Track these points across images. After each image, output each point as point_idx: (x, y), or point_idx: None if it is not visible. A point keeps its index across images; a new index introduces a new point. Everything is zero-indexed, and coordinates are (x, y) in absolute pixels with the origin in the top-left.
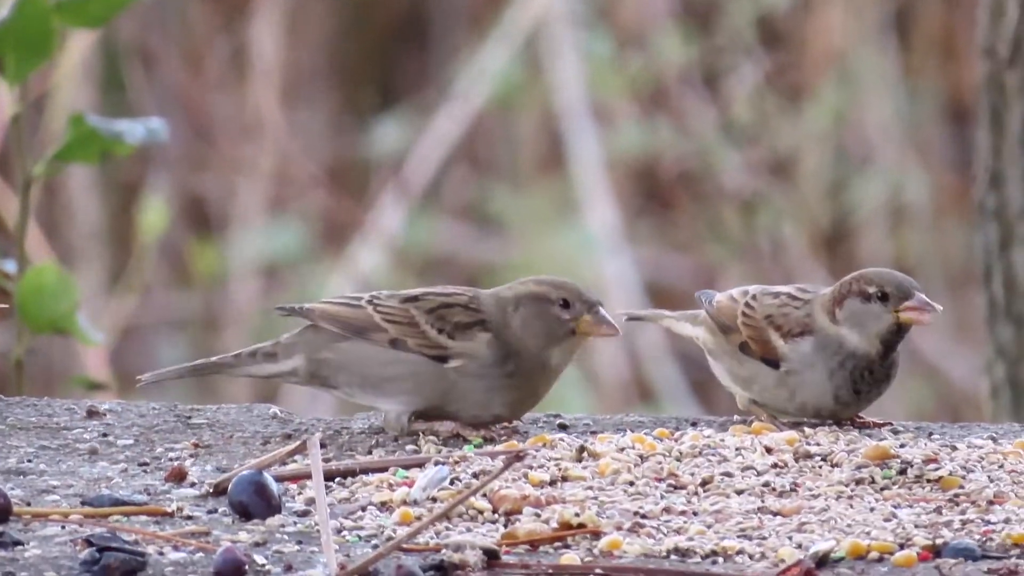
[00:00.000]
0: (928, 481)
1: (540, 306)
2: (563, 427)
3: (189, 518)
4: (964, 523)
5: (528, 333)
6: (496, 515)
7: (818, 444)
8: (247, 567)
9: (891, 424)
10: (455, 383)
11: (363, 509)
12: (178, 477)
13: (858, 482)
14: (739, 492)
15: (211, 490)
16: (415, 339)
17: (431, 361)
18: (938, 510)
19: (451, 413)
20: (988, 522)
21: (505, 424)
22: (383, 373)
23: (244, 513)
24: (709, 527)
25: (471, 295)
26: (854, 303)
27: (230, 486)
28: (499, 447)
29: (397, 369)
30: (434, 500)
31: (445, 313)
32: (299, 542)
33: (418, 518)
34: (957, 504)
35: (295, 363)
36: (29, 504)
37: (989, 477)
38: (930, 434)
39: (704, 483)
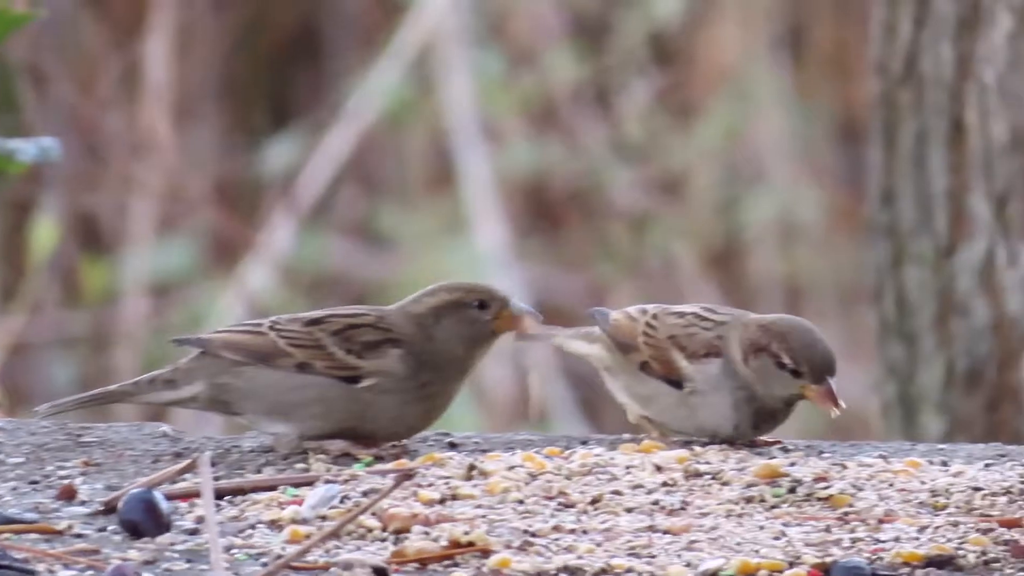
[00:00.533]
0: (818, 499)
1: (460, 312)
2: (453, 445)
3: (79, 536)
4: (854, 541)
5: (453, 342)
6: (386, 533)
7: (708, 463)
8: None
9: (781, 442)
10: (369, 403)
11: (253, 527)
12: (68, 495)
13: (748, 500)
14: (629, 510)
15: (101, 508)
16: (323, 362)
17: (341, 383)
18: (828, 528)
19: (366, 433)
20: (878, 540)
21: (394, 443)
22: (290, 399)
23: (134, 531)
24: (599, 545)
25: (377, 314)
26: (767, 362)
27: (120, 504)
28: (389, 466)
29: (305, 394)
30: (324, 518)
31: (352, 334)
32: (189, 560)
33: (308, 536)
34: (847, 522)
35: (195, 389)
36: None
37: (879, 495)
38: (820, 452)
39: (594, 501)
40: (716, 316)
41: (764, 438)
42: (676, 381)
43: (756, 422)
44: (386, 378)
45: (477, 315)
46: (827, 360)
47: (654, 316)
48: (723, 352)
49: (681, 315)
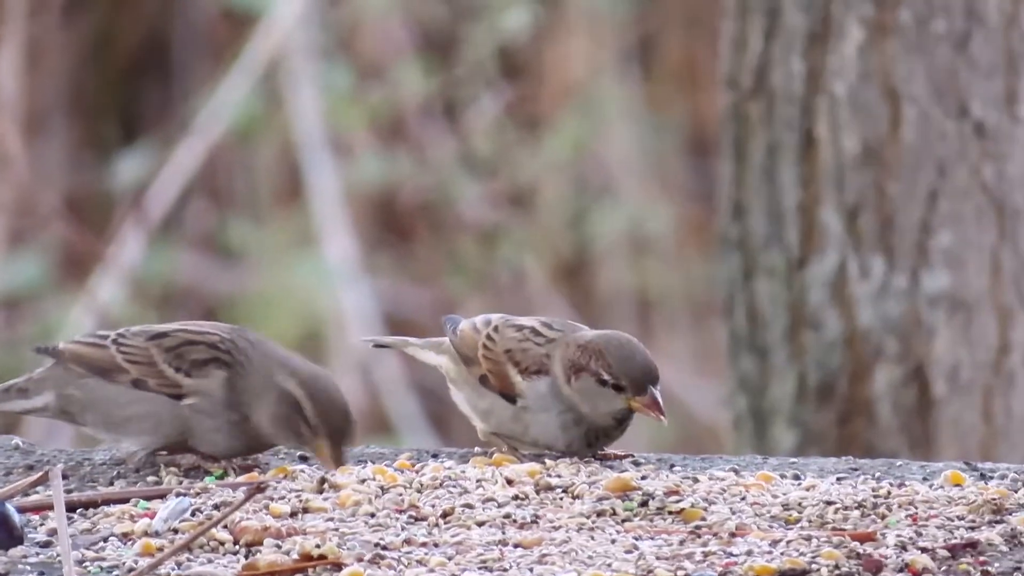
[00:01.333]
0: (670, 513)
1: (287, 411)
2: (304, 459)
3: None
4: (706, 555)
5: (267, 423)
6: (237, 546)
7: (559, 476)
8: None
9: (632, 456)
10: (189, 419)
11: (105, 540)
12: None
13: (599, 514)
14: (480, 524)
15: None
16: (154, 379)
17: (169, 400)
18: (680, 542)
19: (191, 449)
20: (730, 554)
21: (245, 456)
22: (124, 413)
23: None
24: (450, 559)
25: (229, 338)
26: (589, 381)
27: None
28: (240, 478)
29: (137, 409)
30: (175, 531)
31: (184, 351)
32: (41, 573)
33: (160, 549)
34: (699, 536)
35: (45, 399)
36: None
37: (731, 509)
38: (672, 466)
39: (445, 515)
40: (550, 332)
41: (615, 451)
42: (510, 396)
43: (589, 440)
44: (203, 399)
45: (301, 427)
46: (647, 370)
47: (495, 328)
48: (551, 372)
49: (520, 328)
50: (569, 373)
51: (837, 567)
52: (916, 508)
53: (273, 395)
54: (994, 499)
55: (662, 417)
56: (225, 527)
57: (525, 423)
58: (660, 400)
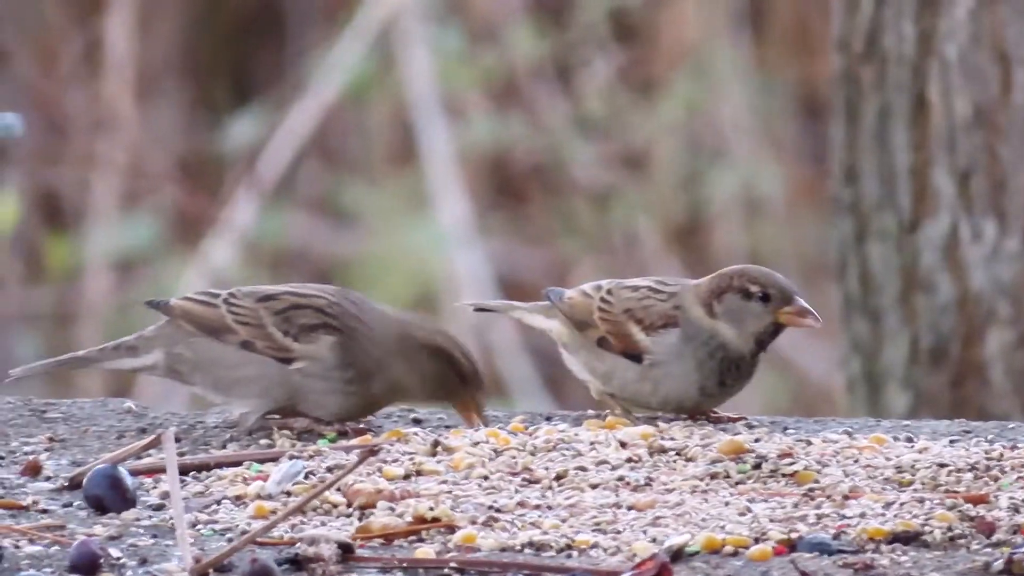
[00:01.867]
0: (783, 476)
1: (442, 365)
2: (417, 421)
3: (44, 512)
4: (819, 517)
5: (419, 380)
6: (350, 509)
7: (672, 439)
8: (102, 560)
9: (745, 419)
10: (299, 385)
11: (218, 503)
12: (33, 471)
13: (712, 476)
14: (593, 486)
15: (66, 484)
16: (263, 341)
17: (277, 363)
18: (794, 504)
19: (300, 413)
20: (843, 516)
21: (359, 419)
22: (234, 375)
23: (99, 507)
24: (564, 521)
25: (336, 300)
26: (734, 299)
27: (85, 480)
28: (353, 442)
29: (246, 371)
30: (288, 494)
31: (292, 315)
32: (154, 536)
33: (273, 512)
34: (812, 499)
35: (155, 358)
36: None
37: (844, 472)
38: (785, 428)
39: (558, 477)
40: (668, 288)
41: (728, 414)
42: (635, 355)
43: (723, 378)
44: (313, 363)
45: (454, 381)
46: (789, 282)
47: (608, 292)
48: (680, 321)
49: (635, 288)
50: (711, 301)
51: (950, 529)
52: None
53: (419, 352)
54: None
55: (815, 322)
56: (339, 490)
57: (654, 380)
58: (808, 306)
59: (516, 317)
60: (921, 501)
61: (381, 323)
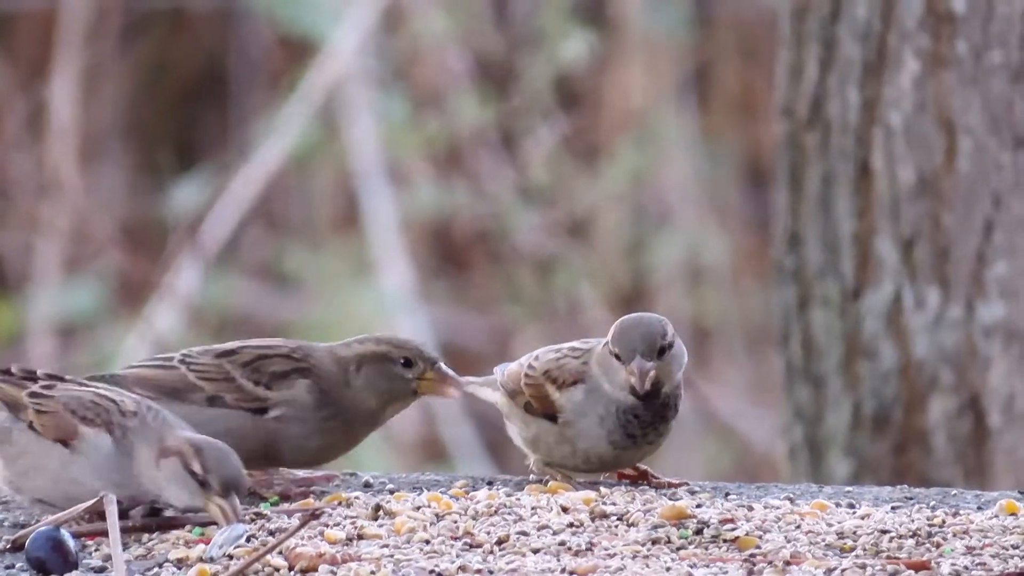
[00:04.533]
0: (725, 541)
1: (383, 366)
2: (368, 485)
3: None
4: None
5: (370, 392)
6: (292, 573)
7: (614, 504)
8: None
9: (687, 484)
10: (275, 431)
11: (160, 566)
12: None
13: (654, 542)
14: (535, 551)
15: (8, 546)
16: (232, 394)
17: (249, 415)
18: (735, 570)
19: (272, 461)
20: None
21: (302, 484)
22: (202, 432)
23: (41, 569)
24: None
25: (294, 345)
26: (603, 354)
27: (27, 542)
28: (295, 505)
29: (215, 427)
30: (231, 557)
31: (261, 364)
32: None
33: (215, 575)
34: (754, 564)
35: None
36: None
37: (786, 537)
38: (727, 494)
39: (500, 542)
40: (586, 346)
41: (670, 480)
42: (552, 415)
43: (629, 432)
44: (291, 407)
45: (400, 371)
46: (641, 340)
47: (536, 357)
48: (586, 376)
49: (558, 350)
50: (529, 359)
51: None
52: (971, 537)
53: (359, 368)
54: None
55: (640, 387)
56: (280, 553)
57: (570, 439)
58: (641, 370)
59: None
60: (863, 567)
61: (325, 358)
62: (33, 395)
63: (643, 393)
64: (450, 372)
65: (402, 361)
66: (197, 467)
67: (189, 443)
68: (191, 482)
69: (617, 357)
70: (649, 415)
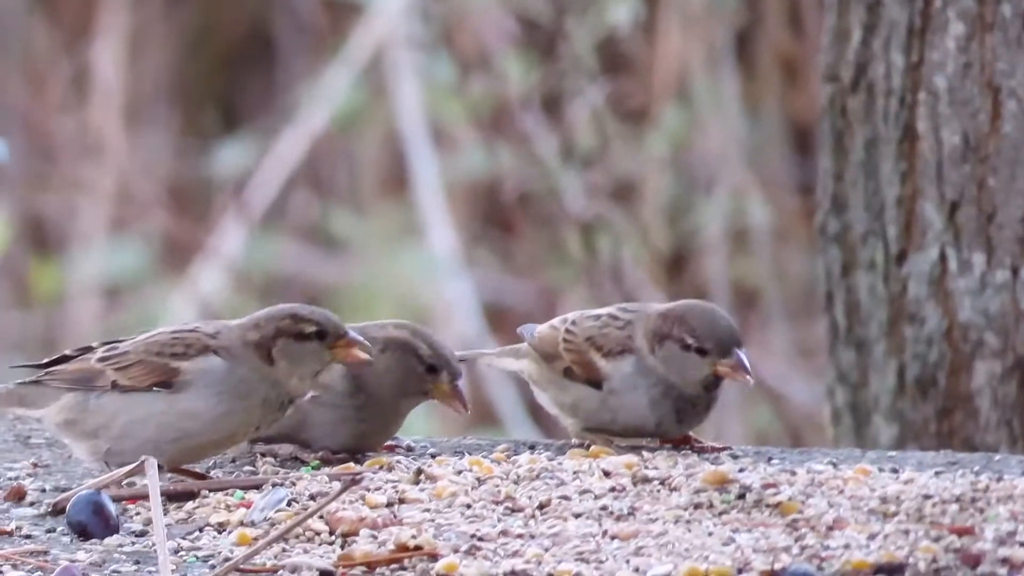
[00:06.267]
0: (767, 506)
1: (407, 359)
2: (410, 449)
3: (28, 537)
4: (803, 548)
5: (387, 378)
6: (333, 537)
7: (656, 468)
8: None
9: (730, 449)
10: (308, 413)
11: (201, 530)
12: (17, 496)
13: (696, 506)
14: (577, 515)
15: (50, 510)
16: None
17: None
18: (777, 535)
19: (302, 441)
20: (827, 547)
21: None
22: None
23: (82, 533)
24: (546, 550)
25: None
26: (673, 348)
27: (68, 506)
28: (336, 469)
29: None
30: (271, 522)
31: None
32: (137, 562)
33: (256, 539)
34: (796, 529)
35: None
36: None
37: (828, 502)
38: (769, 459)
39: (542, 506)
40: (626, 315)
41: (713, 444)
42: (597, 382)
43: (679, 416)
44: (325, 391)
45: (421, 372)
46: (731, 333)
47: (573, 322)
48: (634, 349)
49: (597, 317)
50: (653, 342)
51: (935, 561)
52: (1015, 502)
53: (384, 351)
54: None
55: (748, 378)
56: (321, 517)
57: (613, 409)
58: (746, 362)
59: (487, 363)
60: (906, 532)
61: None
62: (103, 359)
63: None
64: (462, 392)
65: (428, 366)
66: (308, 326)
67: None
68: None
69: (700, 352)
70: (705, 402)
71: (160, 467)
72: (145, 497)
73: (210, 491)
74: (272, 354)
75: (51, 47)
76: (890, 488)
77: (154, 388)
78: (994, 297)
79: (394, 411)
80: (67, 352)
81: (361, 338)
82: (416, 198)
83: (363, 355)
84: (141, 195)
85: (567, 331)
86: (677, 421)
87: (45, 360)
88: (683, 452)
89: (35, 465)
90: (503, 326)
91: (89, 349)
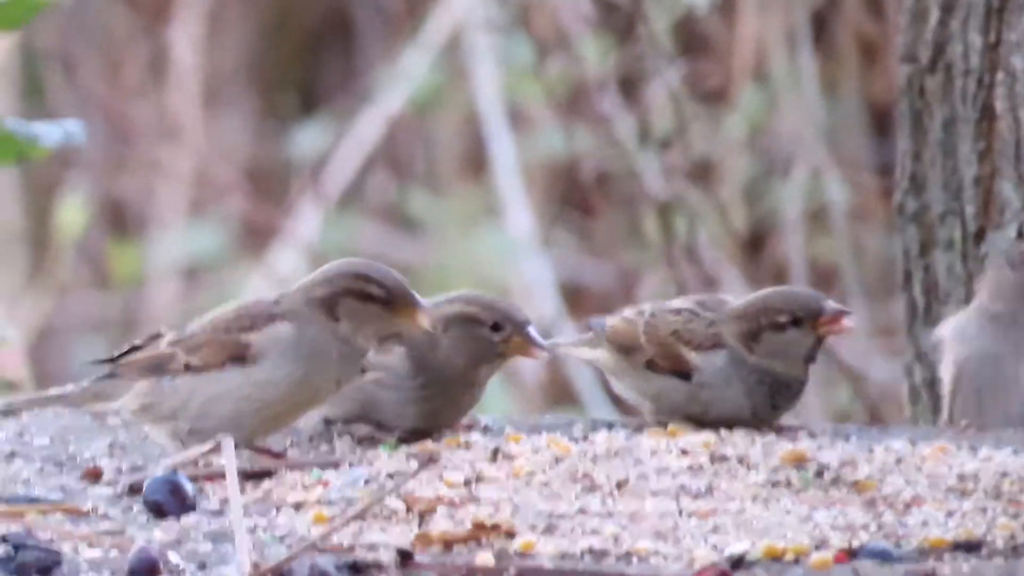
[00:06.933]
0: (845, 484)
1: (470, 328)
2: (486, 428)
3: (104, 517)
4: (881, 526)
5: (457, 353)
6: (410, 515)
7: (734, 446)
8: (161, 565)
9: (807, 427)
10: (373, 393)
11: (277, 509)
12: (94, 476)
13: (774, 484)
14: (654, 494)
15: (126, 489)
16: None
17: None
18: (855, 513)
19: (375, 422)
20: (905, 525)
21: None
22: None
23: (159, 512)
24: (624, 528)
25: None
26: (770, 336)
27: (145, 485)
28: (413, 448)
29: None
30: (349, 501)
31: None
32: (213, 541)
33: (332, 518)
34: (874, 507)
35: None
36: None
37: (906, 480)
38: (847, 437)
39: (619, 485)
40: (706, 313)
41: (789, 423)
42: (684, 373)
43: (774, 403)
44: (387, 373)
45: (488, 335)
46: (814, 296)
47: (652, 314)
48: (726, 344)
49: (677, 312)
50: (747, 344)
51: (1012, 538)
52: None
53: (447, 329)
54: None
55: (850, 322)
56: (399, 496)
57: (705, 402)
58: (843, 309)
59: (562, 353)
60: (983, 510)
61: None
62: (173, 343)
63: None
64: (537, 337)
65: (491, 325)
66: (375, 289)
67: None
68: (372, 307)
69: (796, 323)
70: (799, 385)
71: (236, 446)
72: (222, 476)
73: (287, 470)
74: (336, 311)
75: (129, 30)
76: (968, 466)
77: (228, 365)
78: None
79: (467, 386)
80: (136, 342)
81: (427, 304)
82: (494, 179)
83: (426, 323)
84: (219, 178)
85: (647, 323)
86: (772, 407)
87: (116, 354)
88: (761, 430)
89: (111, 445)
90: (581, 307)
91: (157, 336)
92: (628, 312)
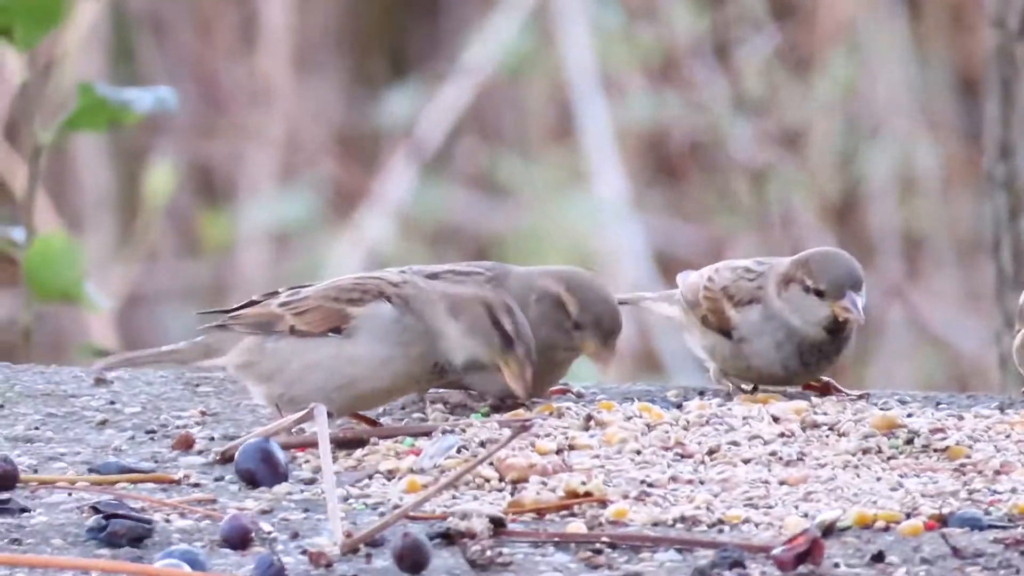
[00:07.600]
0: (935, 451)
1: (555, 313)
2: (579, 396)
3: (196, 485)
4: (971, 493)
5: (537, 328)
6: (503, 484)
7: (825, 414)
8: (254, 534)
9: (898, 393)
10: None
11: (370, 477)
12: (185, 445)
13: (865, 452)
14: (746, 461)
15: (218, 458)
16: None
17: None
18: (945, 480)
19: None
20: (995, 492)
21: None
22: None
23: (251, 481)
24: (716, 496)
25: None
26: (795, 290)
27: (237, 454)
28: (506, 416)
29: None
30: (441, 469)
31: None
32: (306, 510)
33: (425, 486)
34: (964, 474)
35: None
36: (36, 471)
37: (996, 447)
38: (937, 404)
39: (711, 452)
40: (760, 267)
41: (853, 392)
42: (727, 331)
43: (804, 359)
44: None
45: (568, 327)
46: (848, 276)
47: (716, 271)
48: (763, 298)
49: (735, 268)
50: (780, 287)
51: None
52: None
53: (538, 302)
54: None
55: (858, 319)
56: (491, 464)
57: (746, 356)
58: (858, 304)
59: (645, 307)
60: None
61: (515, 286)
62: (284, 304)
63: (849, 324)
64: (610, 354)
65: (574, 322)
66: (506, 322)
67: (499, 297)
68: (493, 335)
69: (818, 293)
70: (831, 348)
71: (330, 414)
72: (314, 445)
73: (380, 438)
74: (459, 318)
75: None
76: None
77: (328, 333)
78: None
79: (549, 360)
80: (254, 297)
81: (529, 362)
82: (584, 144)
83: (520, 380)
84: (309, 143)
85: (709, 279)
86: (802, 364)
87: (234, 306)
88: (851, 398)
89: (203, 413)
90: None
91: (275, 294)
92: (706, 269)
